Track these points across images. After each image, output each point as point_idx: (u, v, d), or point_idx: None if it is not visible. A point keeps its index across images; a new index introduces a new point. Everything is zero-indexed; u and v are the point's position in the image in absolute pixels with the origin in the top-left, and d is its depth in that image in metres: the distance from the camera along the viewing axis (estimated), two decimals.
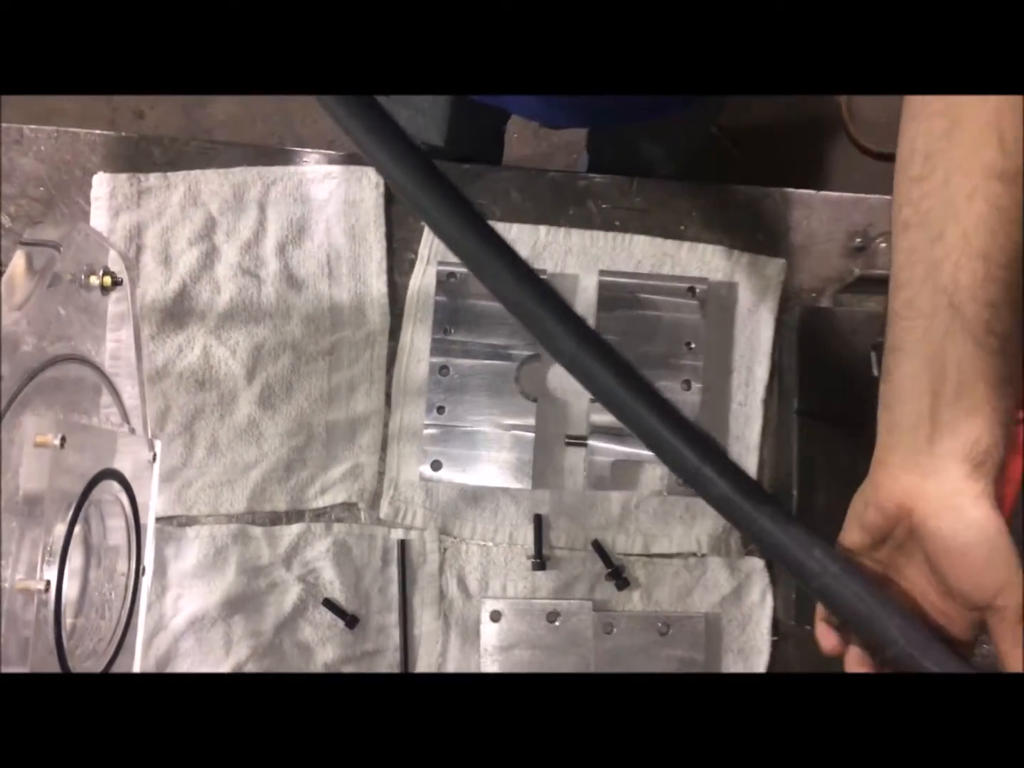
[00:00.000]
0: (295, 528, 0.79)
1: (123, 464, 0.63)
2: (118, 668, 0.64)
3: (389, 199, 0.82)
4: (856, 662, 0.53)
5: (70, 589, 0.57)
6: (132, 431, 0.69)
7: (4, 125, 0.82)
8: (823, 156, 1.79)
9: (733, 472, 0.47)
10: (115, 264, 0.65)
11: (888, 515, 0.50)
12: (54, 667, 0.55)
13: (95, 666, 0.60)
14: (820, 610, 0.55)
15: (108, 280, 0.61)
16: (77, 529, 0.56)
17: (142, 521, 0.66)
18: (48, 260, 0.54)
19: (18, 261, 0.53)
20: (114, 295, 0.69)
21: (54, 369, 0.57)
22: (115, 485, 0.62)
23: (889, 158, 1.69)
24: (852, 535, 0.53)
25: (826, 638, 0.55)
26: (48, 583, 0.52)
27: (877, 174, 1.71)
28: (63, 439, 0.53)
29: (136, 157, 0.82)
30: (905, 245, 0.50)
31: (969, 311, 0.47)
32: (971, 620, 0.50)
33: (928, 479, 0.49)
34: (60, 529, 0.55)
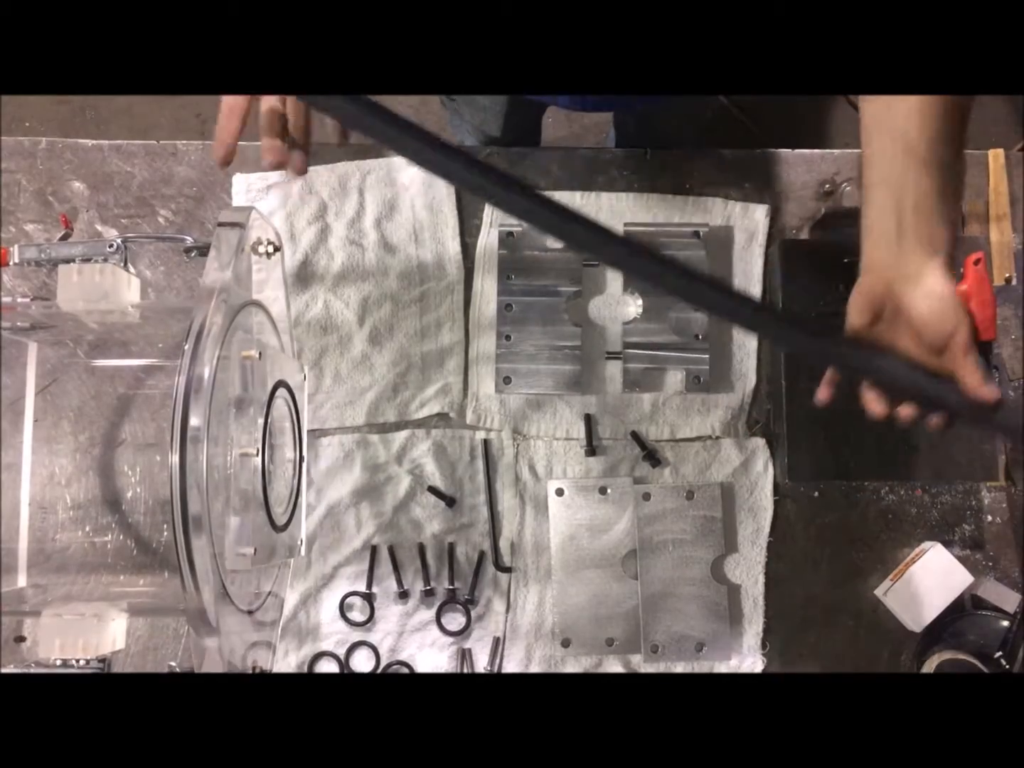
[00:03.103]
0: (403, 434, 1.03)
1: (288, 380, 0.88)
2: (293, 527, 0.89)
3: None
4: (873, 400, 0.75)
5: (266, 461, 0.82)
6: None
7: (162, 141, 1.06)
8: (822, 117, 2.00)
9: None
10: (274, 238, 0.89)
11: (876, 297, 0.72)
12: (263, 515, 0.80)
13: (281, 518, 0.86)
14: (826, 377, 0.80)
15: (272, 248, 0.85)
16: (265, 421, 0.81)
17: (301, 423, 0.91)
18: (239, 236, 0.78)
19: (221, 237, 0.78)
20: (256, 266, 0.94)
21: (244, 312, 0.81)
22: (285, 392, 0.87)
23: None
24: (854, 320, 0.74)
25: (824, 391, 0.80)
26: (257, 449, 0.77)
27: None
28: (260, 354, 0.77)
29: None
30: (867, 125, 0.72)
31: (917, 145, 0.67)
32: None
33: (900, 267, 0.70)
34: (259, 420, 0.80)
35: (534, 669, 1.00)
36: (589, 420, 1.03)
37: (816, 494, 1.02)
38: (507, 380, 1.02)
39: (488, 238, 1.05)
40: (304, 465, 0.94)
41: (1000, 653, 0.95)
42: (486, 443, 1.03)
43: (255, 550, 0.76)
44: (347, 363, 1.03)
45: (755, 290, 1.05)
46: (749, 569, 1.02)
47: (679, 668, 1.00)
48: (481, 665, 1.00)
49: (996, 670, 0.94)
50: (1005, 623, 0.96)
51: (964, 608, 0.98)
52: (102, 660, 0.95)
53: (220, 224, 0.79)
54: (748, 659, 1.00)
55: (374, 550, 1.01)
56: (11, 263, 1.01)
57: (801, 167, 1.07)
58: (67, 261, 0.99)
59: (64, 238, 1.02)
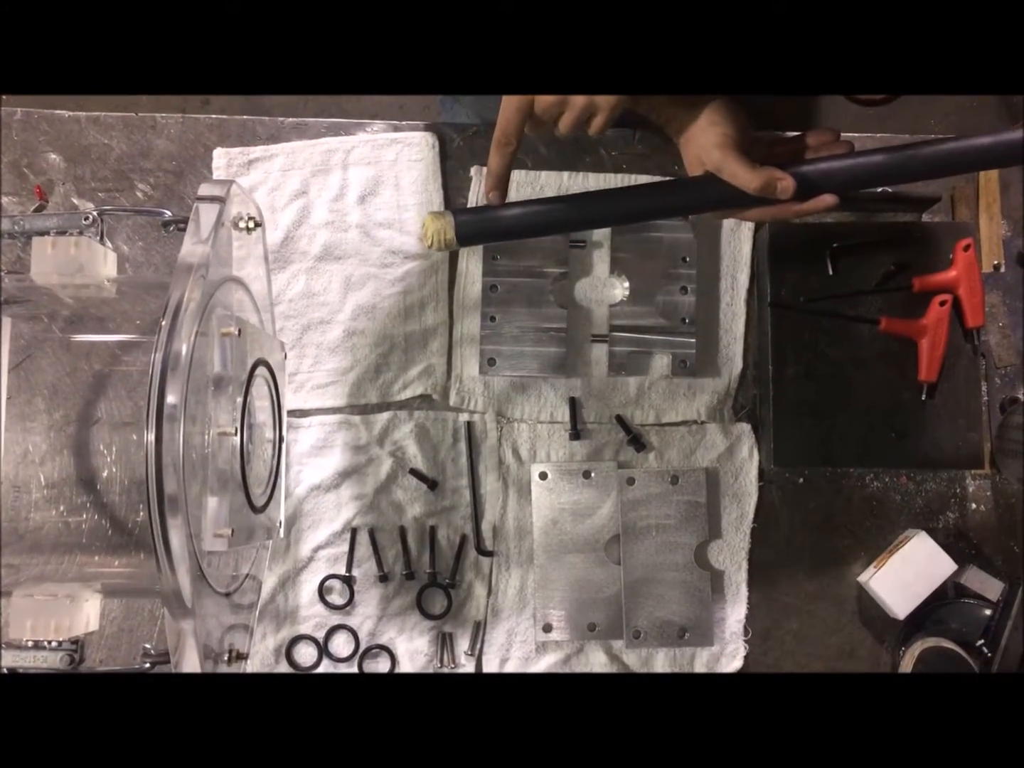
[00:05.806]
0: (385, 416, 1.01)
1: (268, 358, 0.86)
2: (272, 508, 0.87)
3: (443, 157, 1.04)
4: None
5: (244, 440, 0.80)
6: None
7: (140, 114, 1.04)
8: (816, 104, 1.99)
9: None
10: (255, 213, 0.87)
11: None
12: (241, 496, 0.78)
13: (259, 500, 0.84)
14: None
15: (252, 223, 0.83)
16: (244, 400, 0.79)
17: (281, 402, 0.89)
18: (218, 210, 0.76)
19: (200, 211, 0.76)
20: (236, 242, 0.92)
21: (223, 288, 0.79)
22: (265, 371, 0.85)
23: (870, 103, 1.88)
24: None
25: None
26: (236, 428, 0.75)
27: (860, 116, 1.91)
28: (239, 331, 0.76)
29: (245, 134, 1.04)
30: None
31: None
32: None
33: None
34: (238, 399, 0.78)
35: (515, 654, 0.99)
36: (574, 403, 1.01)
37: (801, 480, 1.02)
38: (491, 362, 1.00)
39: None
40: (284, 446, 0.92)
41: (982, 641, 0.95)
42: (469, 425, 1.01)
43: (232, 531, 0.74)
44: (329, 343, 1.02)
45: (743, 274, 1.03)
46: (733, 555, 1.01)
47: (661, 654, 0.99)
48: (462, 649, 0.99)
49: (978, 658, 0.94)
50: (988, 611, 0.96)
51: (947, 596, 0.98)
52: (75, 642, 0.93)
53: (199, 198, 0.77)
54: (730, 645, 1.00)
55: (354, 533, 0.99)
56: None
57: None
58: (41, 233, 0.96)
59: (38, 210, 0.99)
